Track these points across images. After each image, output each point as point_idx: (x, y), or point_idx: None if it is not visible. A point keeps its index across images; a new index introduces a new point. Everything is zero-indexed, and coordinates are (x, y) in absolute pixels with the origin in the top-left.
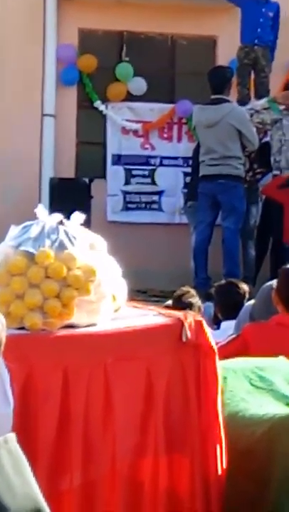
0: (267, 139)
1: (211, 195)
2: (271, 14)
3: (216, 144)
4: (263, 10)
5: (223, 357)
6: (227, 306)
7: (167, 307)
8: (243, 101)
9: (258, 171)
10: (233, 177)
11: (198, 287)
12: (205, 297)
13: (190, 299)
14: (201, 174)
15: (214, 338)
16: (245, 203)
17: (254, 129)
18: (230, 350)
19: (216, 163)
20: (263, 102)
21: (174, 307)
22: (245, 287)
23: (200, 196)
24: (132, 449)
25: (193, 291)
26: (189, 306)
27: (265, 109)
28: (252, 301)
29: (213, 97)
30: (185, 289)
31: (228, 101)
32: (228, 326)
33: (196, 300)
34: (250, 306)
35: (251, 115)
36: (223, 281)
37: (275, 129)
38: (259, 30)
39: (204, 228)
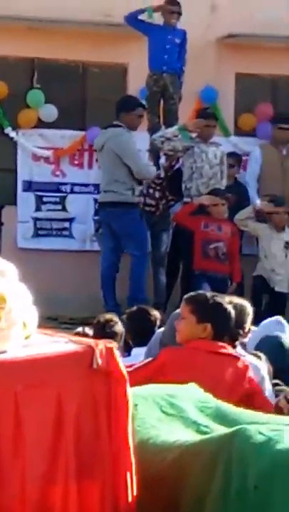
0: (179, 165)
1: (107, 223)
2: (178, 41)
3: (103, 168)
4: (170, 37)
5: (139, 378)
6: (138, 332)
7: (78, 334)
8: (153, 129)
9: (171, 198)
10: (120, 204)
11: None
12: None
13: (113, 328)
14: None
15: (125, 364)
16: (144, 227)
17: (136, 155)
18: (146, 373)
19: (104, 189)
20: (174, 129)
21: (96, 336)
22: (156, 314)
23: (101, 223)
24: (42, 476)
25: (116, 318)
26: (113, 335)
27: (176, 136)
28: (162, 329)
29: (114, 122)
30: (108, 316)
31: (118, 126)
32: (139, 353)
33: (119, 328)
34: (160, 333)
35: (162, 142)
36: (134, 308)
37: (186, 156)
38: (166, 56)
39: (108, 255)
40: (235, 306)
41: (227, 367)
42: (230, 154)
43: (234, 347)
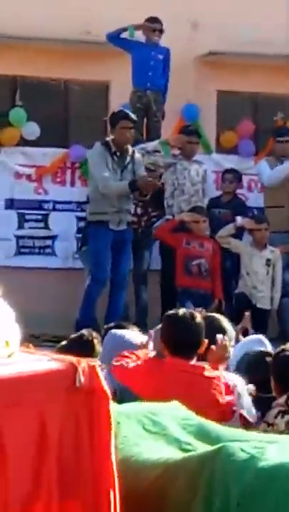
0: (162, 181)
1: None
2: (161, 57)
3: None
4: (153, 53)
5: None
6: None
7: (61, 349)
8: (136, 146)
9: (153, 214)
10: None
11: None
12: None
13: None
14: None
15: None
16: (96, 243)
17: (97, 167)
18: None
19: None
20: (155, 143)
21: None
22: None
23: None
24: (25, 496)
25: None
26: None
27: (157, 151)
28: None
29: None
30: (89, 333)
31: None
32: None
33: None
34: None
35: (142, 155)
36: (111, 324)
37: (169, 173)
38: (150, 73)
39: None
40: (213, 322)
41: (199, 387)
42: (230, 170)
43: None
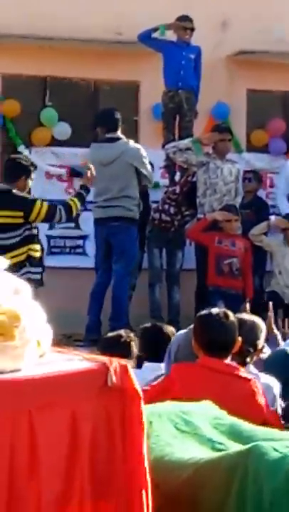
0: (195, 179)
1: (104, 239)
2: (192, 56)
3: (110, 182)
4: (184, 53)
5: (149, 396)
6: (151, 348)
7: (119, 336)
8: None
9: (187, 213)
10: (125, 219)
11: (87, 331)
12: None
13: (126, 345)
14: (94, 217)
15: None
16: (138, 245)
17: (149, 166)
18: (155, 389)
19: (109, 204)
20: (187, 141)
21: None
22: (170, 330)
23: (96, 240)
24: (58, 497)
25: (126, 335)
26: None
27: (189, 149)
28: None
29: (108, 135)
30: (119, 333)
31: (121, 138)
32: (150, 368)
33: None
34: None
35: (174, 152)
36: (148, 324)
37: (201, 171)
38: (182, 72)
39: (101, 274)
40: (245, 323)
41: (234, 387)
42: (251, 170)
43: (244, 365)
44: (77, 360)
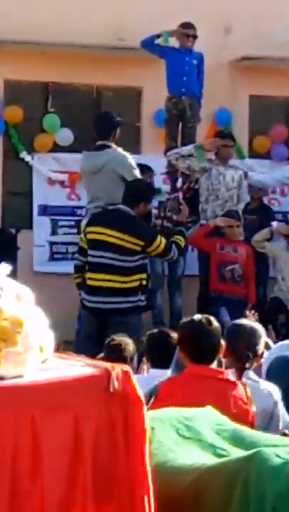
0: (197, 186)
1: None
2: (195, 62)
3: (100, 191)
4: (187, 59)
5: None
6: (158, 354)
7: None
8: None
9: (189, 219)
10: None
11: None
12: None
13: (123, 352)
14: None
15: (139, 382)
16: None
17: (136, 173)
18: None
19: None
20: (190, 147)
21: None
22: (177, 336)
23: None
24: (61, 501)
25: (125, 341)
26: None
27: (191, 155)
28: None
29: (98, 143)
30: (118, 339)
31: (110, 147)
32: (155, 375)
33: (129, 351)
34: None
35: (176, 159)
36: (154, 330)
37: (204, 178)
38: (185, 78)
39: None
40: (245, 329)
41: (223, 392)
42: None
43: (243, 370)
44: (80, 366)
